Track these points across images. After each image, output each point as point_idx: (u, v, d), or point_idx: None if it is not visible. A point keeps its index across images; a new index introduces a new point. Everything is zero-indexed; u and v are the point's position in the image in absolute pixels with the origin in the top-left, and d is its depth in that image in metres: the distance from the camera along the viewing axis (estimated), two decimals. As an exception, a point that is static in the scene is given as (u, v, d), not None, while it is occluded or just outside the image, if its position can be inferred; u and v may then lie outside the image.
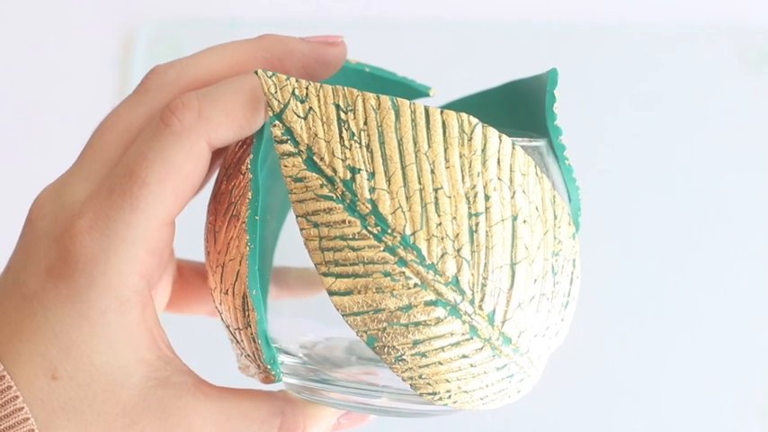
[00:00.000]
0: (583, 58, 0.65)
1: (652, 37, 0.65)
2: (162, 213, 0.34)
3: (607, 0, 0.66)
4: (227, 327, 0.36)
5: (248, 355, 0.36)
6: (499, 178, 0.34)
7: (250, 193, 0.34)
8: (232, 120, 0.35)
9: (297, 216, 0.34)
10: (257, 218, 0.34)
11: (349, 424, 0.37)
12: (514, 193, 0.34)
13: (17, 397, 0.33)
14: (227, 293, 0.35)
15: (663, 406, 0.58)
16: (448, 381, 0.34)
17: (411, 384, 0.34)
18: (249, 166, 0.35)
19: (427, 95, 0.42)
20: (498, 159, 0.34)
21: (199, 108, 0.34)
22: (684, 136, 0.63)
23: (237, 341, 0.36)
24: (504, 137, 0.34)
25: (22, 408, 0.33)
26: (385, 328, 0.34)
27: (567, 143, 0.37)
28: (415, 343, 0.34)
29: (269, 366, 0.35)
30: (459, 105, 0.41)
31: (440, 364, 0.34)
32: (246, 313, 0.35)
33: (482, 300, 0.34)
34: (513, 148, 0.34)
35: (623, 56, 0.65)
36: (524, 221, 0.34)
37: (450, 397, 0.35)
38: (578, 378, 0.59)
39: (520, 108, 0.40)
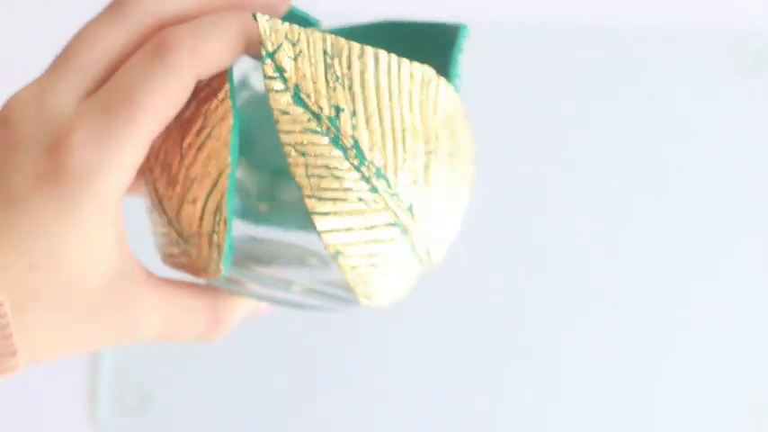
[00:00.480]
0: (575, 59, 0.65)
1: (646, 39, 0.65)
2: (150, 137, 0.38)
3: (600, 2, 0.66)
4: (179, 231, 0.41)
5: (191, 254, 0.41)
6: (444, 119, 0.40)
7: (232, 119, 0.39)
8: (220, 58, 0.39)
9: (284, 144, 0.38)
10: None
11: (264, 309, 0.44)
12: (454, 132, 0.41)
13: None
14: (193, 202, 0.40)
15: (658, 404, 0.58)
16: (382, 284, 0.41)
17: (353, 284, 0.40)
18: (228, 94, 0.39)
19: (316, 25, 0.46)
20: (445, 105, 0.41)
21: (192, 46, 0.38)
22: (679, 139, 0.63)
23: (186, 242, 0.40)
24: (450, 85, 0.41)
25: None
26: (352, 244, 0.39)
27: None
28: (371, 255, 0.40)
29: (222, 266, 0.40)
30: (348, 34, 0.46)
31: (386, 274, 0.41)
32: (217, 223, 0.39)
33: (425, 223, 0.40)
34: (455, 94, 0.41)
35: (617, 58, 0.65)
36: (458, 157, 0.41)
37: (375, 295, 0.41)
38: (574, 376, 0.59)
39: (415, 47, 0.45)
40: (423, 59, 0.45)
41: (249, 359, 0.59)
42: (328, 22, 0.66)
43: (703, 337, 0.59)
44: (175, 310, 0.41)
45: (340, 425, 0.58)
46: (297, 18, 0.46)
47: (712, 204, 0.62)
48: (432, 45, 0.45)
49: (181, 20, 0.40)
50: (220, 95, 0.39)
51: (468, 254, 0.61)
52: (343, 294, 0.42)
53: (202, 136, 0.40)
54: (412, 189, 0.40)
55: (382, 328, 0.60)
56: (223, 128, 0.39)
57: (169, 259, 0.42)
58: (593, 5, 0.66)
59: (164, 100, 0.38)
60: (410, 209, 0.40)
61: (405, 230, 0.40)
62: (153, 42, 0.38)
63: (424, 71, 0.40)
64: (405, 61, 0.39)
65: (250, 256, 0.43)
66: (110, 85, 0.38)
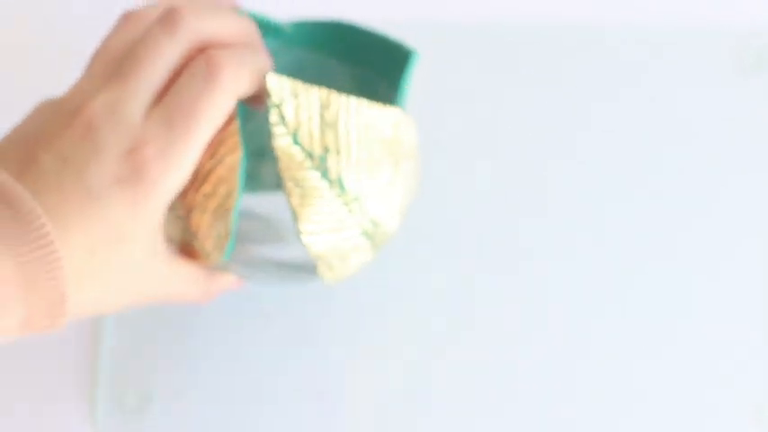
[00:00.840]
0: (575, 60, 0.65)
1: (646, 40, 0.65)
2: (204, 146, 0.46)
3: (599, 3, 0.66)
4: (186, 227, 0.49)
5: (194, 245, 0.49)
6: (406, 149, 0.50)
7: (241, 152, 0.47)
8: (250, 88, 0.47)
9: (284, 179, 0.47)
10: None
11: (238, 284, 0.54)
12: (411, 156, 0.51)
13: (60, 259, 0.43)
14: (203, 212, 0.48)
15: (658, 404, 0.58)
16: (344, 271, 0.51)
17: (323, 274, 0.51)
18: (238, 128, 0.47)
19: (283, 31, 0.54)
20: (408, 138, 0.51)
21: (236, 72, 0.46)
22: (680, 140, 0.63)
23: (192, 236, 0.49)
24: (411, 120, 0.51)
25: (61, 267, 0.44)
26: (330, 250, 0.50)
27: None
28: (342, 256, 0.50)
29: (221, 259, 0.49)
30: (303, 30, 0.54)
31: (349, 264, 0.51)
32: (223, 231, 0.48)
33: (383, 226, 0.50)
34: (413, 126, 0.51)
35: (617, 59, 0.65)
36: (411, 176, 0.51)
37: (338, 278, 0.52)
38: (572, 376, 0.59)
39: (363, 54, 0.54)
40: (367, 67, 0.54)
41: (249, 359, 0.59)
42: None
43: (703, 337, 0.59)
44: (181, 280, 0.50)
45: (342, 424, 0.59)
46: (260, 23, 0.53)
47: (713, 206, 0.62)
48: (380, 57, 0.53)
49: (215, 41, 0.48)
50: (231, 128, 0.47)
51: (468, 256, 0.61)
52: (309, 275, 0.53)
53: (213, 161, 0.47)
54: (378, 207, 0.50)
55: (388, 330, 0.60)
56: (233, 158, 0.47)
57: (170, 242, 0.50)
58: (592, 6, 0.66)
59: (217, 115, 0.46)
60: (374, 221, 0.50)
61: (369, 236, 0.50)
62: (204, 60, 0.46)
63: (395, 115, 0.49)
64: (380, 109, 0.49)
65: (239, 240, 0.51)
66: (171, 100, 0.46)
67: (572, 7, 0.66)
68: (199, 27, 0.47)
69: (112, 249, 0.45)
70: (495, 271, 0.61)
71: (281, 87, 0.47)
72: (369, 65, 0.54)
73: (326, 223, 0.49)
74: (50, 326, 0.45)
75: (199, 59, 0.46)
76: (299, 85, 0.47)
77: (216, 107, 0.46)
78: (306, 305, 0.60)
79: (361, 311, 0.60)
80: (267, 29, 0.54)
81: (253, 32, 0.50)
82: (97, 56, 0.48)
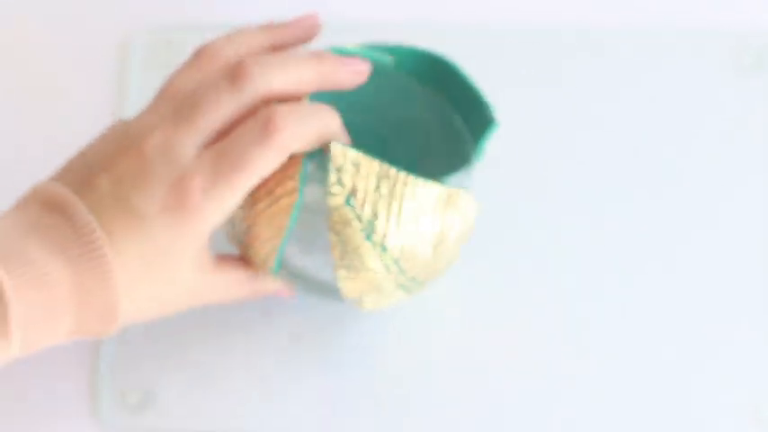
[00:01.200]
0: (573, 61, 0.65)
1: (646, 41, 0.65)
2: (247, 191, 0.50)
3: (599, 4, 0.66)
4: (244, 240, 0.54)
5: (250, 254, 0.54)
6: (456, 217, 0.53)
7: (297, 196, 0.51)
8: (307, 145, 0.51)
9: (332, 232, 0.51)
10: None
11: (283, 291, 0.57)
12: (463, 220, 0.54)
13: (112, 270, 0.49)
14: (257, 237, 0.53)
15: (657, 403, 0.58)
16: (378, 305, 0.55)
17: (361, 308, 0.55)
18: (299, 175, 0.51)
19: (388, 63, 0.57)
20: (461, 209, 0.53)
21: (293, 130, 0.50)
22: (680, 140, 0.63)
23: (247, 248, 0.54)
24: (470, 196, 0.54)
25: (114, 278, 0.49)
26: (367, 296, 0.54)
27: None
28: (377, 300, 0.54)
29: (272, 271, 0.54)
30: (402, 54, 0.57)
31: (386, 304, 0.55)
32: (272, 254, 0.53)
33: (418, 281, 0.54)
34: (471, 198, 0.54)
35: (617, 60, 0.65)
36: (462, 239, 0.54)
37: (363, 302, 0.55)
38: (570, 375, 0.59)
39: (445, 88, 0.57)
40: (453, 104, 0.57)
41: (250, 356, 0.60)
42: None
43: (703, 337, 0.59)
44: (229, 284, 0.54)
45: (342, 424, 0.59)
46: (371, 59, 0.55)
47: (713, 205, 0.62)
48: (466, 101, 0.56)
49: (281, 97, 0.51)
50: (291, 172, 0.51)
51: (466, 256, 0.61)
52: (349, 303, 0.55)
53: (271, 198, 0.51)
54: (418, 269, 0.53)
55: (386, 333, 0.60)
56: (288, 200, 0.51)
57: (233, 242, 0.55)
58: (592, 7, 0.66)
59: (263, 169, 0.50)
60: (413, 278, 0.53)
61: (406, 289, 0.54)
62: (263, 119, 0.49)
63: (450, 190, 0.52)
64: (435, 186, 0.52)
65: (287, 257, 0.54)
66: (224, 147, 0.50)
67: (572, 8, 0.66)
68: (264, 84, 0.50)
69: (159, 265, 0.50)
70: (493, 270, 0.61)
71: (344, 156, 0.50)
72: (455, 103, 0.57)
73: (365, 276, 0.52)
74: (102, 332, 0.50)
75: (259, 116, 0.50)
76: (362, 157, 0.50)
77: (264, 164, 0.49)
78: (308, 304, 0.60)
79: (363, 316, 0.60)
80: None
81: (327, 78, 0.52)
82: (165, 90, 0.52)
